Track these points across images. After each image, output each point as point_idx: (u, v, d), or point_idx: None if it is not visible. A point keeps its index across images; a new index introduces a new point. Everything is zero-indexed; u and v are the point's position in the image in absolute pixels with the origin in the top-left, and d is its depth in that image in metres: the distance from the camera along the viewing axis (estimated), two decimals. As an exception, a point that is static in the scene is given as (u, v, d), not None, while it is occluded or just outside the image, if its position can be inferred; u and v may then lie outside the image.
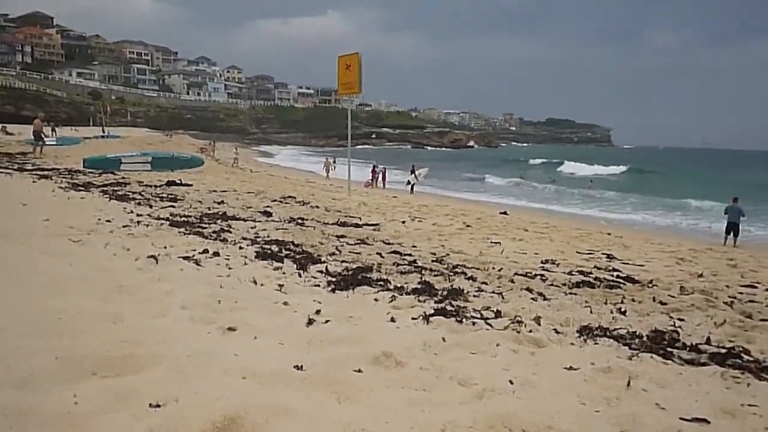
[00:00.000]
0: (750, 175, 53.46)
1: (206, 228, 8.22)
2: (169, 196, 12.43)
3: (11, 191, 11.43)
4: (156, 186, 14.39)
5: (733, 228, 17.45)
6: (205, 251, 6.35)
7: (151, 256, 5.78)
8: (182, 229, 7.88)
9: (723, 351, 4.20)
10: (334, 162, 39.95)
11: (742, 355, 4.16)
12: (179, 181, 15.64)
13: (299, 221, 10.25)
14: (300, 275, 5.75)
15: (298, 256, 6.65)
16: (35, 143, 24.98)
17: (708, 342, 4.46)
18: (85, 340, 3.19)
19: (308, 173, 36.84)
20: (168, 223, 8.38)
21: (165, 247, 6.42)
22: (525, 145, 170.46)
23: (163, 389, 2.59)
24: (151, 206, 10.34)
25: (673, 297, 6.54)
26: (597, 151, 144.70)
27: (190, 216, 9.43)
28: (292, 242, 7.65)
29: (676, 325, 4.98)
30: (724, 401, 3.21)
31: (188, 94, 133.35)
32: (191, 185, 15.31)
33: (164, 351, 3.19)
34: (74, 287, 4.37)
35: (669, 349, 4.16)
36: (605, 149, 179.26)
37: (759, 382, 3.57)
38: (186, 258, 5.96)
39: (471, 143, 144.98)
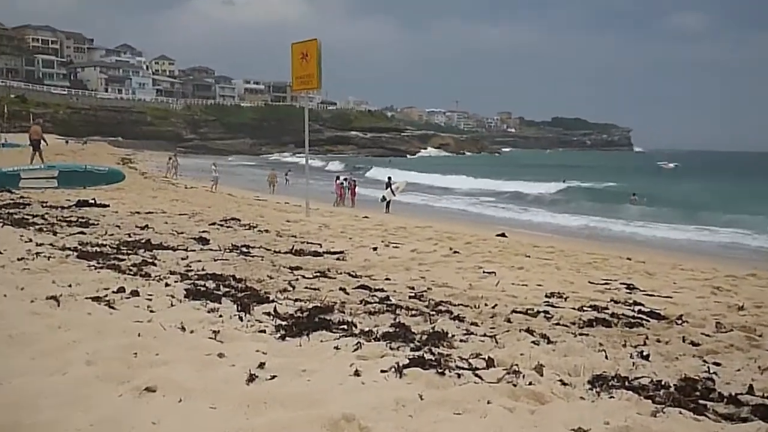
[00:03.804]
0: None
1: (124, 260, 8.12)
2: (80, 220, 12.27)
3: None
4: (63, 207, 14.21)
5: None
6: (121, 290, 6.25)
7: (52, 297, 5.68)
8: (93, 262, 7.75)
9: (768, 403, 4.21)
10: (288, 174, 40.06)
11: (793, 408, 4.18)
12: (93, 201, 15.46)
13: (243, 250, 10.19)
14: (241, 319, 5.66)
15: (239, 295, 6.56)
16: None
17: (750, 391, 4.47)
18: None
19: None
20: (75, 254, 8.24)
21: (70, 286, 6.31)
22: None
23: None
24: (55, 233, 10.20)
25: (707, 336, 6.58)
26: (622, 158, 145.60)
27: (105, 245, 9.31)
28: (233, 277, 7.58)
29: (711, 371, 4.99)
30: (769, 467, 3.21)
31: (107, 91, 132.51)
32: (108, 206, 15.16)
33: (62, 417, 3.12)
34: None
35: (702, 402, 4.15)
36: (630, 155, 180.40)
37: (813, 443, 3.58)
38: (96, 299, 5.85)
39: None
